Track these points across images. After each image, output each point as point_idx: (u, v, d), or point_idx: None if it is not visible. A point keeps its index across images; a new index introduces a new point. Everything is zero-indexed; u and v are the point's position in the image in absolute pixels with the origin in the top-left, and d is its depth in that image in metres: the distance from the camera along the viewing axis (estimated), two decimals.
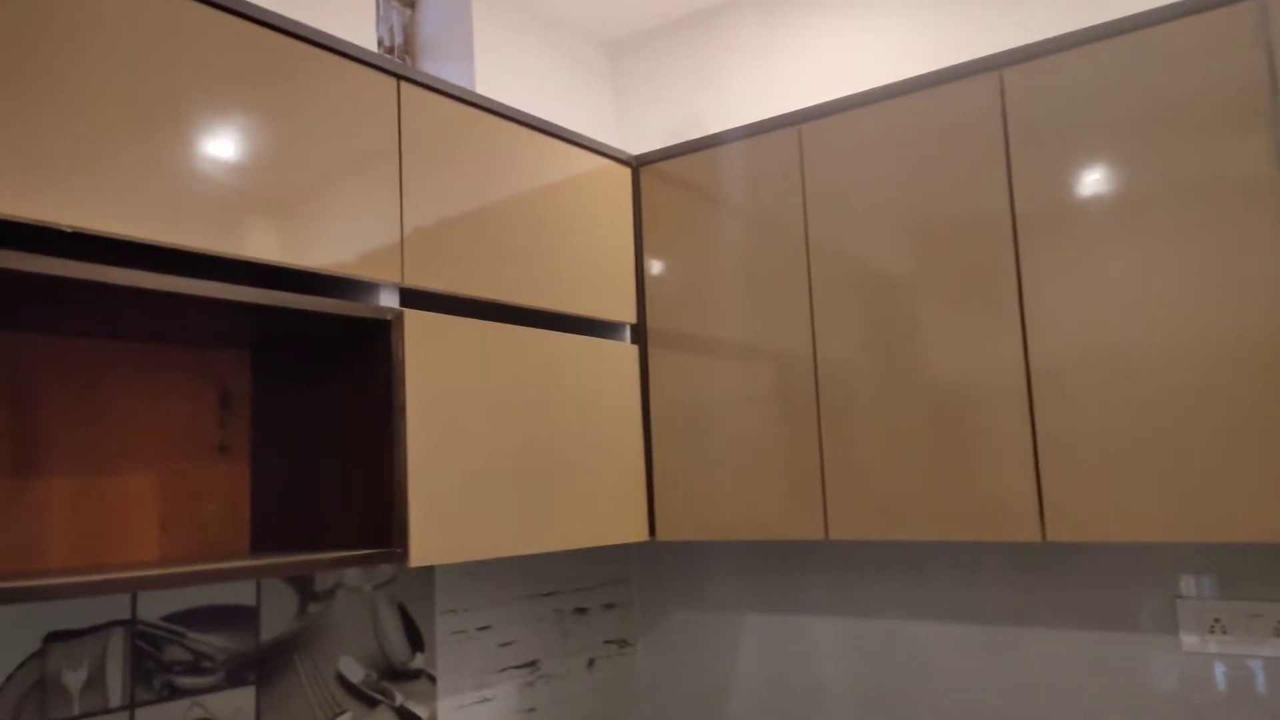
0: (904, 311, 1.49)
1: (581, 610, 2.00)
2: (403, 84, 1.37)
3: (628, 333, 1.75)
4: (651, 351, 1.76)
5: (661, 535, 1.72)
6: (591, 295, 1.67)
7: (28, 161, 0.96)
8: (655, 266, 1.77)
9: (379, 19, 1.93)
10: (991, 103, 1.43)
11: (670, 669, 2.07)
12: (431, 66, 2.01)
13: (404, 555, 1.27)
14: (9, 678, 1.17)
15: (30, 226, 0.97)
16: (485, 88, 1.96)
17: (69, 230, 0.99)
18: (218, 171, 1.13)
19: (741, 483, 1.64)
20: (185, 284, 1.07)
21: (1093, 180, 1.35)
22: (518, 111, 1.55)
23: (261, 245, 1.17)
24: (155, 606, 1.32)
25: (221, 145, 1.14)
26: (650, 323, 1.76)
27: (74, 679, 1.23)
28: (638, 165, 1.80)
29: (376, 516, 1.30)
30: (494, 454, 1.42)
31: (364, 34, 1.78)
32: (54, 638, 1.21)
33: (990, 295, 1.41)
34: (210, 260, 1.14)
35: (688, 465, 1.70)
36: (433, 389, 1.34)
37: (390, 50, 1.99)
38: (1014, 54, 1.42)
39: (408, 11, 2.06)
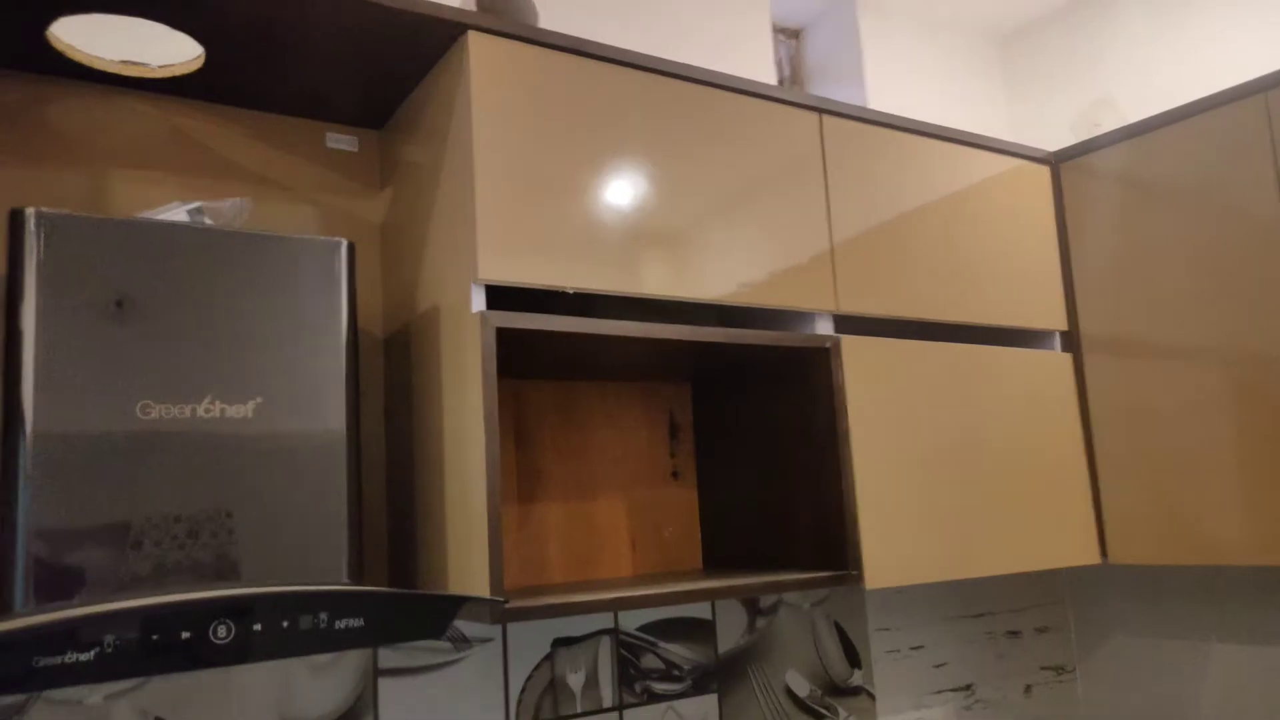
0: None
1: (1014, 633, 1.91)
2: (824, 117, 1.41)
3: (1058, 340, 1.65)
4: (1086, 359, 1.64)
5: (1114, 558, 1.59)
6: (1017, 304, 1.59)
7: (539, 240, 1.12)
8: (1084, 268, 1.64)
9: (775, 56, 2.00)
10: None
11: (1117, 700, 1.90)
12: (821, 91, 2.04)
13: (859, 577, 1.30)
14: (529, 676, 1.36)
15: (533, 291, 1.14)
16: (877, 104, 1.96)
17: (571, 291, 1.14)
18: (674, 223, 1.24)
19: (1199, 499, 1.46)
20: (659, 329, 1.19)
21: None
22: (930, 125, 1.53)
23: (712, 286, 1.26)
24: (633, 619, 1.47)
25: (673, 199, 1.24)
26: (1083, 328, 1.64)
27: (575, 680, 1.40)
28: (1056, 162, 1.69)
29: (827, 539, 1.34)
30: (934, 475, 1.40)
31: (756, 70, 1.85)
32: (559, 643, 1.40)
33: None
34: (658, 303, 1.25)
35: (1137, 481, 1.55)
36: (872, 413, 1.36)
37: (780, 82, 2.06)
38: None
39: (793, 43, 2.12)
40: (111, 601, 0.87)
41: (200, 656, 0.82)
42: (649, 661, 1.47)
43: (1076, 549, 1.56)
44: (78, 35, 1.09)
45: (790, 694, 1.60)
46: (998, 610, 1.89)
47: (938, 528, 1.39)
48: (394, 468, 1.29)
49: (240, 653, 0.84)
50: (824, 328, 1.36)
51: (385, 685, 1.25)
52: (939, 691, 1.77)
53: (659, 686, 1.47)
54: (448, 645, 1.30)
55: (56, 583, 0.87)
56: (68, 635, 0.76)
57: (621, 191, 1.20)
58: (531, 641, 1.37)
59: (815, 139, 1.39)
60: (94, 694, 1.07)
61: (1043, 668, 1.93)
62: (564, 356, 1.31)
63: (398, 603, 0.92)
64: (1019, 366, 1.55)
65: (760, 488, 1.46)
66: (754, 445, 1.48)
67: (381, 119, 1.35)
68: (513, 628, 1.36)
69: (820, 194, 1.38)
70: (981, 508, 1.45)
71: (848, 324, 1.41)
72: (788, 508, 1.41)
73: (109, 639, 0.78)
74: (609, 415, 1.51)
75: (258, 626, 0.85)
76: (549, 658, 1.38)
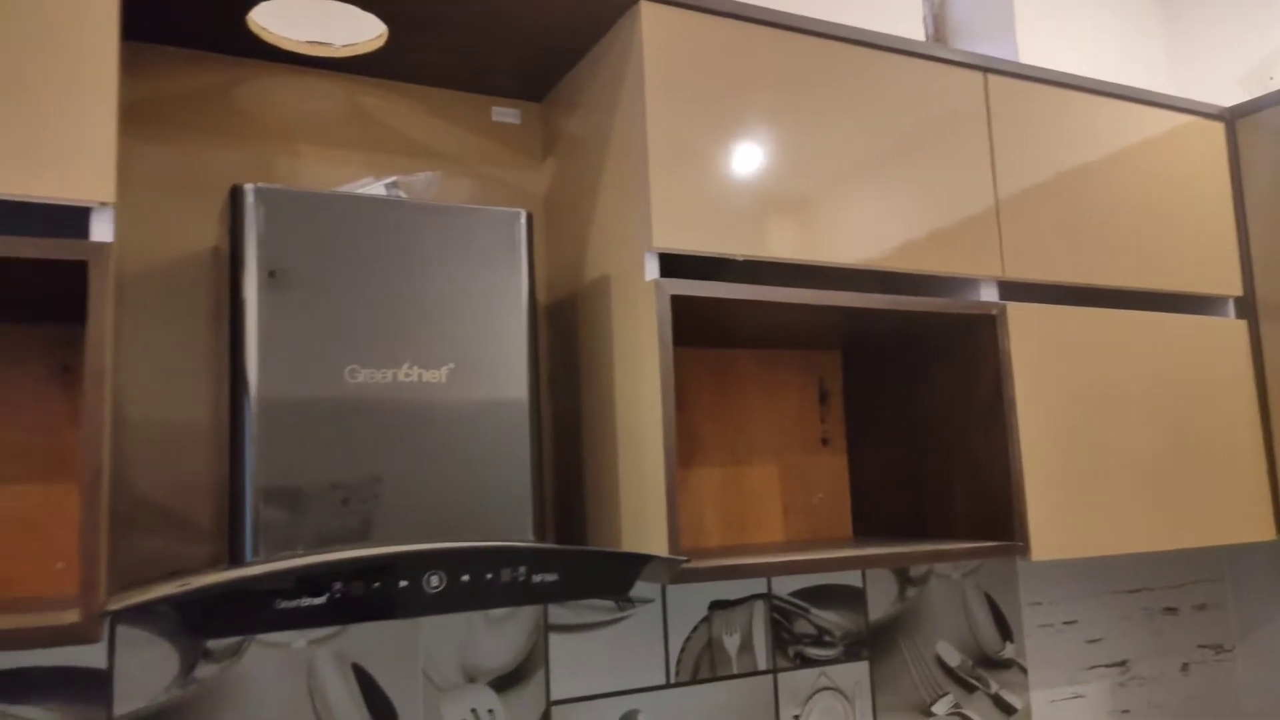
0: None
1: (1171, 610, 1.84)
2: (989, 76, 1.37)
3: (1232, 307, 1.57)
4: (1264, 326, 1.55)
5: None
6: (1189, 269, 1.52)
7: (710, 208, 1.13)
8: (1261, 230, 1.55)
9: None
10: None
11: (1278, 681, 1.82)
12: (968, 47, 1.98)
13: (1025, 549, 1.27)
14: (688, 637, 1.39)
15: (700, 259, 1.15)
16: (1028, 60, 1.89)
17: (741, 259, 1.15)
18: (837, 189, 1.23)
19: None
20: (829, 296, 1.19)
21: None
22: (1100, 82, 1.47)
23: (873, 253, 1.24)
24: (785, 584, 1.48)
25: (836, 164, 1.23)
26: (1260, 294, 1.56)
27: (731, 642, 1.43)
28: (1232, 118, 1.60)
29: (988, 510, 1.32)
30: (1102, 446, 1.36)
31: (905, 28, 1.81)
32: (716, 606, 1.42)
33: None
34: (814, 270, 1.25)
35: None
36: (1039, 382, 1.32)
37: (925, 39, 2.00)
38: None
39: (935, 0, 2.05)
40: (327, 553, 0.94)
41: (413, 604, 0.88)
42: (801, 626, 1.48)
43: (1249, 524, 1.49)
44: (271, 18, 1.14)
45: (941, 663, 1.59)
46: (1155, 586, 1.83)
47: (1105, 500, 1.35)
48: (560, 431, 1.32)
49: (449, 602, 0.89)
50: (988, 294, 1.33)
51: (555, 640, 1.30)
52: (1093, 667, 1.73)
53: (812, 651, 1.48)
54: (612, 605, 1.34)
55: (279, 536, 0.94)
56: (304, 582, 0.82)
57: (787, 157, 1.19)
58: (690, 604, 1.40)
59: (980, 99, 1.36)
60: (299, 639, 1.15)
61: (1201, 646, 1.86)
62: (719, 324, 1.32)
63: (589, 560, 0.95)
64: (1191, 334, 1.48)
65: (912, 456, 1.45)
66: (907, 413, 1.46)
67: (542, 91, 1.38)
68: (672, 590, 1.39)
69: (985, 157, 1.35)
70: (1151, 480, 1.40)
71: (1013, 290, 1.38)
72: (943, 477, 1.40)
73: (338, 586, 0.84)
74: (760, 382, 1.51)
75: (465, 578, 0.89)
76: (706, 620, 1.41)
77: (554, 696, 1.29)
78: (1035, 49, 1.90)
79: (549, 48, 1.25)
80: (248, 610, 0.80)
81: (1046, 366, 1.33)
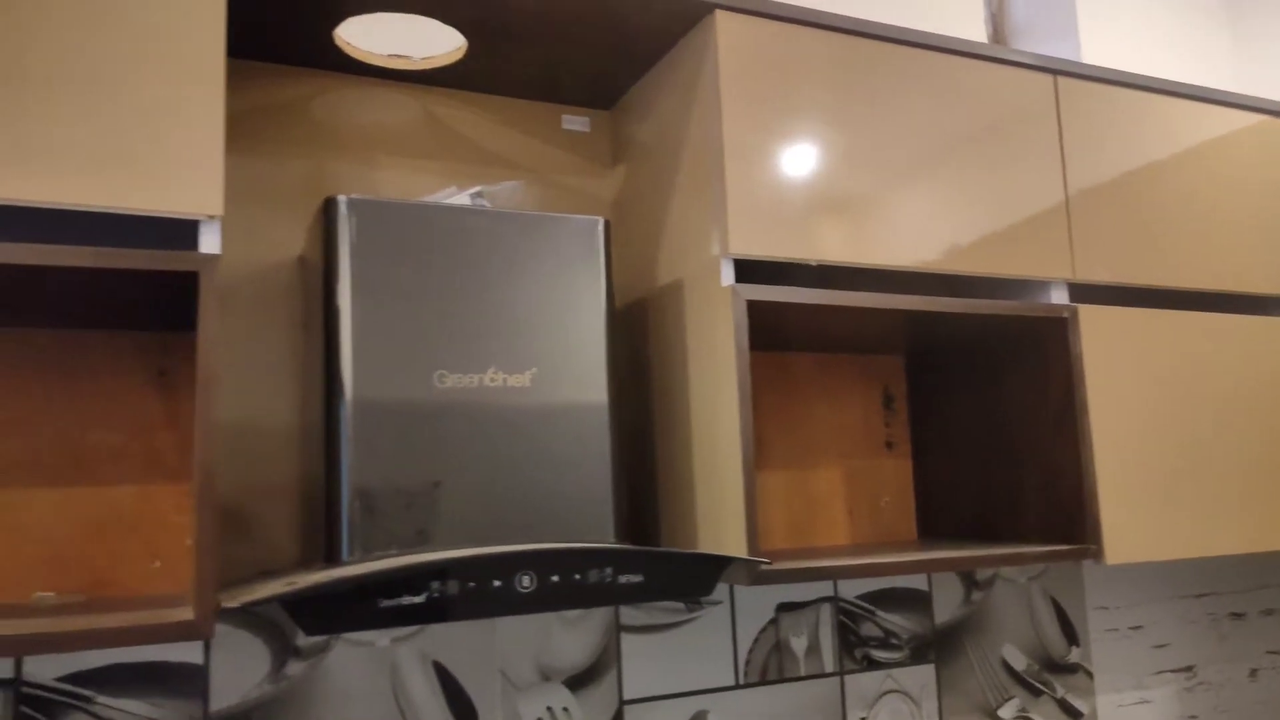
0: None
1: (1238, 615, 1.82)
2: (1059, 78, 1.36)
3: None
4: None
5: None
6: (1265, 270, 1.50)
7: (783, 214, 1.15)
8: None
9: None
10: None
11: None
12: (1029, 46, 1.97)
13: (1099, 552, 1.27)
14: (756, 639, 1.40)
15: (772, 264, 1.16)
16: (1091, 59, 1.87)
17: (815, 264, 1.16)
18: (908, 194, 1.23)
19: None
20: (902, 300, 1.19)
21: None
22: (1171, 83, 1.45)
23: (942, 257, 1.25)
24: (851, 587, 1.49)
25: (907, 169, 1.24)
26: None
27: (799, 644, 1.44)
28: None
29: (1060, 513, 1.31)
30: (1177, 448, 1.35)
31: (966, 29, 1.80)
32: (783, 608, 1.43)
33: None
34: (880, 273, 1.25)
35: None
36: (1112, 385, 1.32)
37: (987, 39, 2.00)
38: None
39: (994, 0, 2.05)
40: (419, 553, 0.96)
41: (506, 603, 0.90)
42: (868, 629, 1.49)
43: None
44: (357, 34, 1.18)
45: (1007, 667, 1.58)
46: (1221, 591, 1.80)
47: (1180, 504, 1.34)
48: (630, 432, 1.34)
49: (539, 601, 0.91)
50: (1059, 296, 1.33)
51: (627, 640, 1.32)
52: (1159, 672, 1.71)
53: (878, 654, 1.49)
54: (681, 606, 1.36)
55: (373, 536, 0.97)
56: (405, 581, 0.85)
57: (856, 162, 1.20)
58: (758, 606, 1.41)
59: (1050, 101, 1.35)
60: (383, 638, 1.18)
61: (1269, 651, 1.84)
62: (782, 328, 1.33)
63: (674, 561, 0.97)
64: (1269, 336, 1.47)
65: (979, 459, 1.45)
66: (972, 416, 1.46)
67: (611, 100, 1.40)
68: (740, 592, 1.40)
69: (1055, 159, 1.35)
70: (1227, 483, 1.38)
71: (1083, 292, 1.37)
72: (1011, 480, 1.39)
73: (435, 585, 0.86)
74: (824, 386, 1.52)
75: (555, 578, 0.91)
76: (774, 621, 1.42)
77: (626, 696, 1.30)
78: (1098, 48, 1.89)
79: (620, 57, 1.27)
80: (353, 608, 0.83)
81: (1120, 369, 1.33)
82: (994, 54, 1.32)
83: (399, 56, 1.24)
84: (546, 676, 1.26)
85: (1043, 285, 1.33)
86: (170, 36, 0.87)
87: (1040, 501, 1.35)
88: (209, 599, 0.82)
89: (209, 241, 0.87)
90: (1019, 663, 1.59)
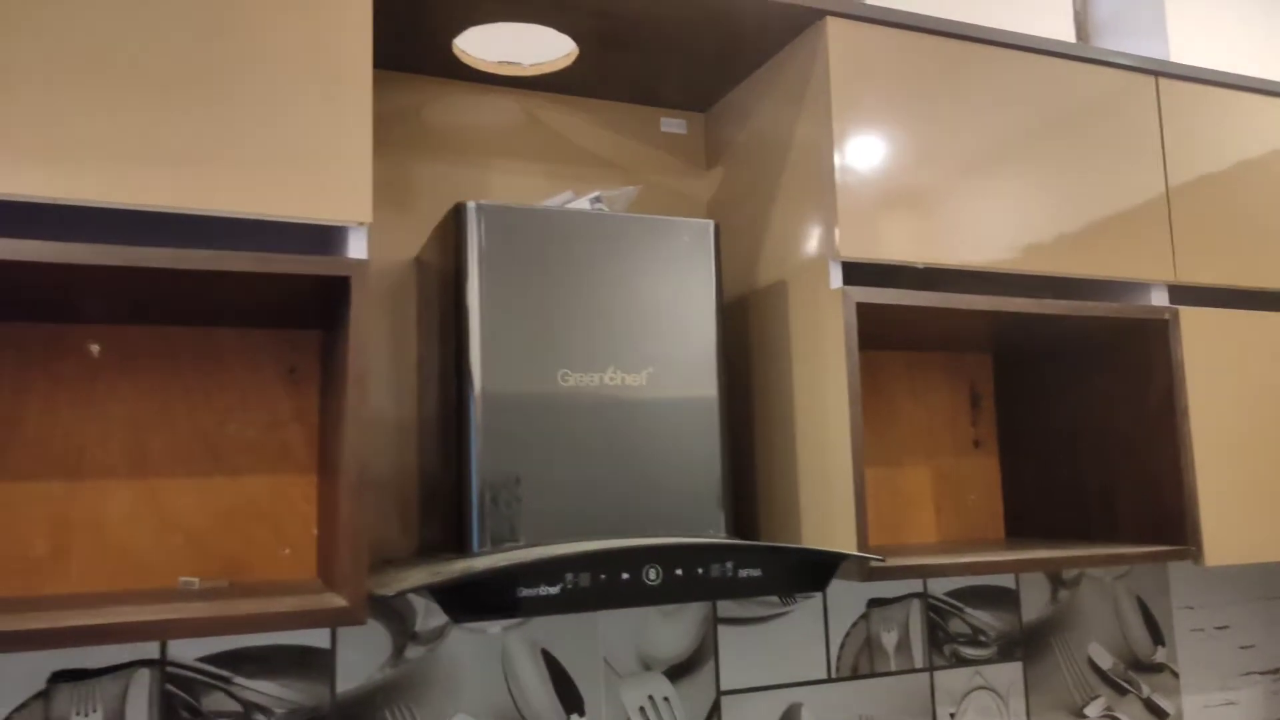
0: None
1: None
2: (1160, 79, 1.36)
3: None
4: None
5: None
6: None
7: (886, 217, 1.16)
8: None
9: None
10: None
11: None
12: (1116, 44, 1.95)
13: (1198, 554, 1.27)
14: (847, 633, 1.43)
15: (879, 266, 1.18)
16: (1180, 58, 1.86)
17: (921, 267, 1.18)
18: (1009, 195, 1.24)
19: None
20: (1005, 302, 1.21)
21: None
22: (1267, 81, 1.45)
23: (1044, 258, 1.26)
24: (940, 584, 1.50)
25: (1008, 170, 1.25)
26: None
27: (889, 640, 1.46)
28: None
29: (1155, 514, 1.32)
30: (1275, 451, 1.35)
31: (1053, 26, 1.80)
32: (874, 604, 1.45)
33: None
34: (979, 275, 1.26)
35: None
36: (1212, 387, 1.32)
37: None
38: None
39: None
40: (545, 546, 1.00)
41: (633, 595, 0.93)
42: (956, 626, 1.50)
43: None
44: (473, 42, 1.22)
45: (1093, 665, 1.59)
46: None
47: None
48: (732, 428, 1.37)
49: (664, 593, 0.94)
50: (1158, 298, 1.33)
51: (724, 632, 1.35)
52: (1246, 674, 1.71)
53: (966, 651, 1.50)
54: (777, 600, 1.39)
55: (500, 527, 1.01)
56: (542, 572, 0.88)
57: (959, 165, 1.22)
58: (849, 601, 1.44)
59: (1151, 102, 1.35)
60: (495, 626, 1.22)
61: None
62: (879, 328, 1.35)
63: (791, 557, 1.00)
64: None
65: (1068, 458, 1.46)
66: (1063, 416, 1.47)
67: (709, 102, 1.43)
68: (833, 587, 1.43)
69: (1156, 161, 1.35)
70: None
71: (1183, 294, 1.37)
72: (1103, 480, 1.40)
73: (569, 576, 0.90)
74: (912, 385, 1.54)
75: (679, 571, 0.95)
76: (864, 617, 1.44)
77: (723, 687, 1.34)
78: (1188, 47, 1.87)
79: (723, 63, 1.29)
80: (494, 597, 0.87)
81: (1221, 372, 1.33)
82: (1097, 56, 1.33)
83: (509, 63, 1.27)
84: (647, 666, 1.30)
85: (1143, 287, 1.34)
86: (321, 51, 0.92)
87: (1135, 502, 1.36)
88: (362, 586, 0.87)
89: (357, 247, 0.92)
90: (1105, 661, 1.60)
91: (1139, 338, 1.35)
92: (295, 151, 0.90)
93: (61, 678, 1.04)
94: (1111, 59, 1.34)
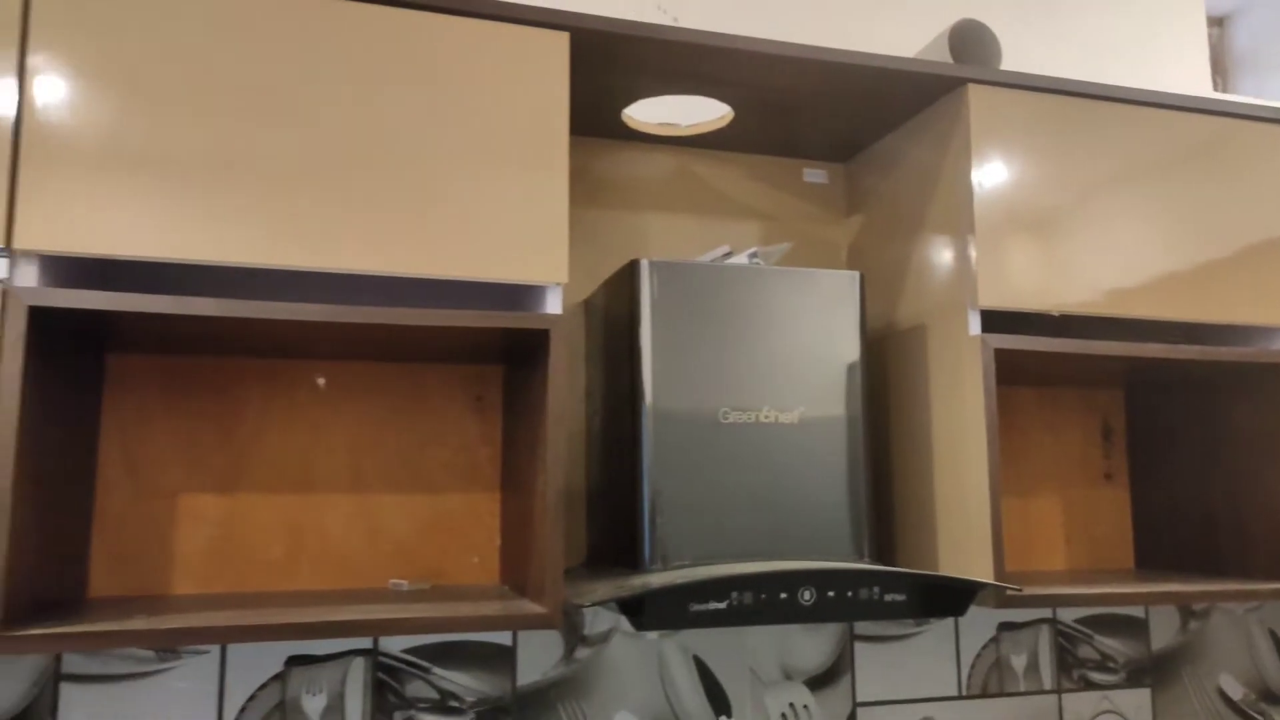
0: None
1: None
2: None
3: None
4: None
5: None
6: None
7: (1025, 267, 1.25)
8: None
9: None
10: None
11: None
12: (1253, 80, 1.96)
13: None
14: (978, 654, 1.51)
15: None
16: None
17: (1057, 315, 1.26)
18: (1145, 247, 1.30)
19: None
20: (1137, 348, 1.27)
21: None
22: None
23: (1179, 305, 1.31)
24: (1068, 612, 1.56)
25: (1147, 226, 1.31)
26: None
27: (1018, 662, 1.53)
28: None
29: None
30: None
31: (1190, 71, 1.83)
32: (1004, 627, 1.53)
33: None
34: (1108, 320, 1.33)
35: None
36: None
37: None
38: None
39: (1215, 30, 2.05)
40: (710, 565, 1.13)
41: (789, 613, 1.05)
42: (1085, 651, 1.56)
43: None
44: (640, 110, 1.36)
45: (1224, 696, 1.62)
46: None
47: None
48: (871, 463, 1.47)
49: (817, 613, 1.05)
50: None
51: (860, 648, 1.45)
52: None
53: (1095, 676, 1.56)
54: (911, 621, 1.48)
55: (669, 545, 1.14)
56: (712, 590, 1.01)
57: (1090, 215, 1.29)
58: (980, 624, 1.51)
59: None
60: (653, 633, 1.36)
61: None
62: (1014, 367, 1.43)
63: (933, 584, 1.10)
64: None
65: (1199, 492, 1.50)
66: (1194, 450, 1.51)
67: (850, 154, 1.53)
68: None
69: None
70: None
71: None
72: (1238, 513, 1.44)
73: (734, 595, 1.03)
74: (1044, 419, 1.60)
75: (831, 593, 1.06)
76: (995, 639, 1.52)
77: (859, 699, 1.44)
78: None
79: (867, 121, 1.40)
80: (671, 609, 1.00)
81: None
82: (1228, 109, 1.37)
83: (668, 125, 1.41)
84: (789, 675, 1.41)
85: (1274, 331, 1.37)
86: (525, 130, 1.07)
87: (1267, 535, 1.39)
88: (559, 596, 1.02)
89: (553, 302, 1.07)
90: (1235, 692, 1.62)
91: (1272, 375, 1.39)
92: (503, 221, 1.05)
93: (295, 661, 1.23)
94: (1241, 111, 1.38)
